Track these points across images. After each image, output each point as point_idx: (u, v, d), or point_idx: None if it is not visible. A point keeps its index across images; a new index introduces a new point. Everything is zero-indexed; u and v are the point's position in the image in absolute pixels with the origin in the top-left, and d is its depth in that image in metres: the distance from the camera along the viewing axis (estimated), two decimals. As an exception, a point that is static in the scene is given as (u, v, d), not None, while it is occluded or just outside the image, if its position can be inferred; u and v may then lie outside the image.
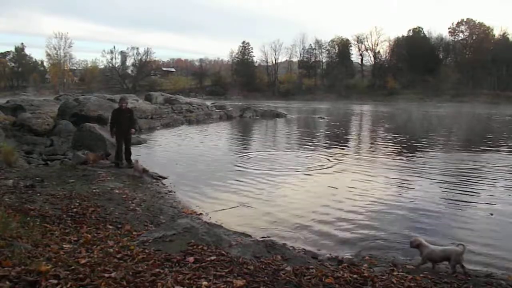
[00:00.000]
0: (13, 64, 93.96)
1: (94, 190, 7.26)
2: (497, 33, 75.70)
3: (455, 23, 78.44)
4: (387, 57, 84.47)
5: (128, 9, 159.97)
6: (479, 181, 9.61)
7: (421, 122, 29.38)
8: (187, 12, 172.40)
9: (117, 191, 7.43)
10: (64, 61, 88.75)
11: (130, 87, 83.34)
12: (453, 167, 11.59)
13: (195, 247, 4.35)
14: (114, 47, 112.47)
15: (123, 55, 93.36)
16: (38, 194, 6.57)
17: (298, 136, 20.89)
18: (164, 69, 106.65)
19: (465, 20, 77.64)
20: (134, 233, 5.05)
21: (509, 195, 8.42)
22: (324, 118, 32.48)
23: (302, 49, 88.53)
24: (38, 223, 4.82)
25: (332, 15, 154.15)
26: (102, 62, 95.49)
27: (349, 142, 18.69)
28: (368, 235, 6.01)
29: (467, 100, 59.83)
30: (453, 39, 79.09)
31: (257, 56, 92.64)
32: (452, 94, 64.92)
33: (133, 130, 10.47)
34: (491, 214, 6.99)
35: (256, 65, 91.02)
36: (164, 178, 9.62)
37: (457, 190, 8.81)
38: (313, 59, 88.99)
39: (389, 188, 9.01)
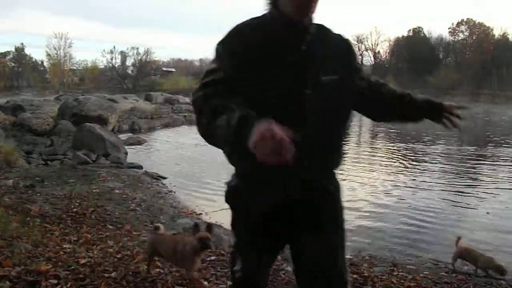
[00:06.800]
0: (13, 64, 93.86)
1: (94, 190, 7.26)
2: (497, 33, 75.75)
3: (455, 23, 78.42)
4: (387, 57, 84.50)
5: (128, 9, 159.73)
6: (477, 179, 9.62)
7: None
8: (187, 12, 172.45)
9: (117, 191, 7.43)
10: (64, 61, 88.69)
11: (130, 87, 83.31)
12: (453, 166, 11.60)
13: (195, 247, 4.34)
14: (114, 47, 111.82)
15: (123, 55, 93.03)
16: (38, 194, 6.56)
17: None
18: (164, 69, 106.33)
19: (465, 20, 77.62)
20: (134, 233, 5.05)
21: (506, 193, 8.44)
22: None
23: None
24: (38, 223, 4.82)
25: (332, 15, 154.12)
26: (102, 62, 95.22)
27: (348, 142, 18.67)
28: (368, 235, 6.01)
29: (467, 100, 59.83)
30: (453, 39, 79.08)
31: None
32: (452, 94, 64.96)
33: None
34: (487, 213, 7.06)
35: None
36: (164, 178, 9.62)
37: (455, 188, 8.82)
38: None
39: (389, 188, 9.01)
